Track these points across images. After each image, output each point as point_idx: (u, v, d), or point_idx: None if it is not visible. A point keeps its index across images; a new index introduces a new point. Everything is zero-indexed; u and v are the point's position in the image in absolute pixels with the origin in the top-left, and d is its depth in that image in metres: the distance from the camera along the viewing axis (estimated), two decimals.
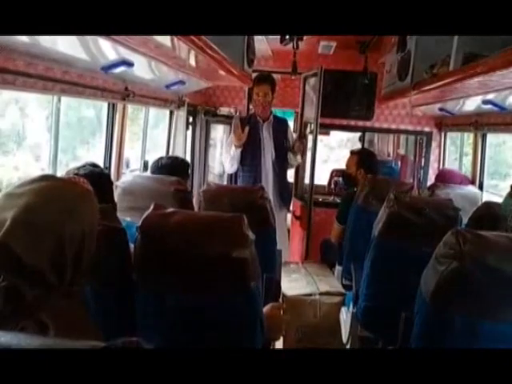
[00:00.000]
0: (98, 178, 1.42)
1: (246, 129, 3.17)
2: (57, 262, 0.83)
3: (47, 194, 0.84)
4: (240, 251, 1.14)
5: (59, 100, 1.89)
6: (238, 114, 3.85)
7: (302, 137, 3.51)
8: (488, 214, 1.90)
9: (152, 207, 1.24)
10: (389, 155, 5.06)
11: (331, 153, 7.03)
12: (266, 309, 1.47)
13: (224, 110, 4.12)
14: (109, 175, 1.55)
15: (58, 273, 0.83)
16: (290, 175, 3.81)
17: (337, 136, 5.25)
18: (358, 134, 4.57)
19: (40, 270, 0.80)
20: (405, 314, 1.40)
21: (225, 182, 3.88)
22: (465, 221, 1.99)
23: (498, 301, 1.11)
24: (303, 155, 3.60)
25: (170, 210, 1.23)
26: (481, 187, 3.04)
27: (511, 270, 1.09)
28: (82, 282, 0.93)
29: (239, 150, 3.21)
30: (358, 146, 4.42)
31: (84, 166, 1.48)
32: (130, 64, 1.82)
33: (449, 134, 3.86)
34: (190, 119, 3.61)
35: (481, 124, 2.81)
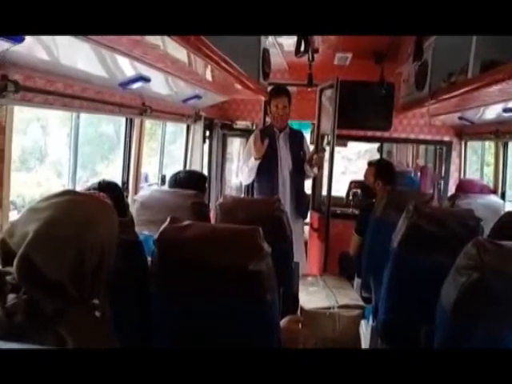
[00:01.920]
0: (115, 193, 1.45)
1: (266, 141, 3.17)
2: (77, 275, 0.83)
3: (68, 208, 0.86)
4: (256, 264, 1.13)
5: (78, 116, 1.94)
6: (255, 126, 3.86)
7: (320, 150, 3.48)
8: (510, 224, 1.86)
9: (168, 220, 1.24)
10: (408, 166, 5.00)
11: (349, 164, 6.98)
12: (283, 322, 1.45)
13: (240, 124, 4.14)
14: (121, 190, 1.58)
15: (77, 286, 0.84)
16: (307, 186, 3.79)
17: (355, 147, 5.21)
18: (377, 145, 4.54)
19: (60, 283, 0.81)
20: (426, 327, 1.36)
21: (242, 195, 3.89)
22: (487, 231, 1.95)
23: None
24: (320, 168, 3.58)
25: (187, 222, 1.23)
26: (503, 197, 2.97)
27: None
28: (102, 295, 0.94)
29: (258, 162, 3.21)
30: (377, 156, 4.39)
31: (100, 182, 1.51)
32: (147, 80, 1.85)
33: (470, 144, 3.80)
34: (207, 133, 3.65)
35: (502, 132, 2.76)
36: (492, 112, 2.63)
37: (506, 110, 2.37)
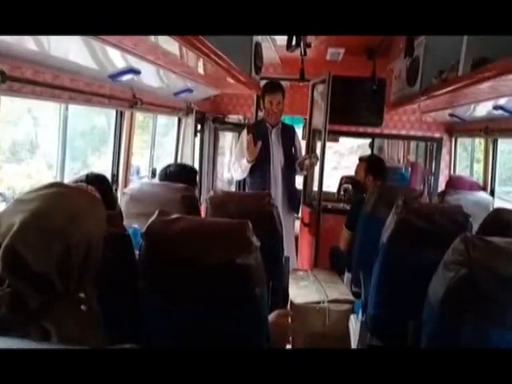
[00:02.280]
0: (103, 186, 1.43)
1: (259, 143, 3.15)
2: (63, 268, 0.82)
3: (56, 200, 0.85)
4: (244, 258, 1.12)
5: (67, 108, 1.92)
6: (247, 122, 3.84)
7: (312, 157, 3.44)
8: (499, 221, 1.87)
9: (156, 213, 1.23)
10: (399, 162, 5.02)
11: (341, 159, 6.99)
12: (271, 316, 1.45)
13: (233, 118, 4.13)
14: (110, 183, 1.56)
15: (63, 279, 0.83)
16: (298, 182, 3.79)
17: (347, 143, 5.21)
18: (369, 141, 4.55)
19: (46, 276, 0.80)
20: (413, 322, 1.37)
21: (234, 189, 3.88)
22: (476, 227, 1.96)
23: (508, 307, 1.08)
24: (309, 170, 3.58)
25: (175, 216, 1.22)
26: (492, 193, 3.00)
27: None
28: (90, 288, 0.93)
29: (250, 165, 3.20)
30: (369, 152, 4.40)
31: (88, 174, 1.49)
32: (137, 72, 1.83)
33: (460, 141, 3.82)
34: (199, 127, 3.63)
35: (492, 129, 2.78)
36: (482, 109, 2.64)
37: (495, 108, 2.38)
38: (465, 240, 1.16)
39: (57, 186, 0.89)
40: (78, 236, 0.84)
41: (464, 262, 1.12)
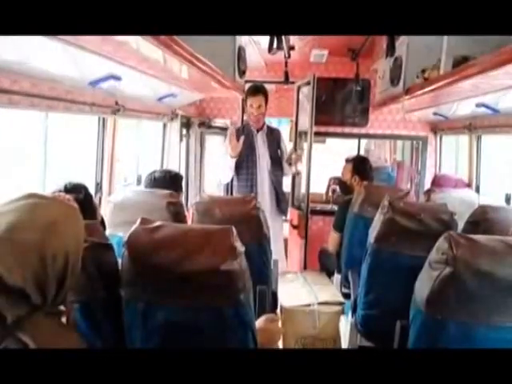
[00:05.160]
0: (81, 195, 1.41)
1: (242, 138, 3.17)
2: (40, 280, 0.81)
3: (31, 211, 0.83)
4: (228, 264, 1.11)
5: (47, 116, 1.88)
6: (232, 124, 3.85)
7: (298, 149, 3.50)
8: (483, 218, 1.89)
9: (139, 221, 1.22)
10: (386, 161, 5.05)
11: (332, 160, 6.97)
12: (259, 322, 1.44)
13: (219, 122, 4.12)
14: (89, 191, 1.53)
15: (40, 292, 0.81)
16: (286, 184, 3.79)
17: (338, 143, 5.19)
18: (365, 141, 4.58)
19: (22, 290, 0.78)
20: (401, 322, 1.37)
21: (222, 193, 3.86)
22: (462, 225, 1.97)
23: (492, 305, 1.08)
24: (298, 163, 3.60)
25: (157, 223, 1.20)
26: (478, 190, 3.02)
27: (504, 273, 1.07)
28: (69, 300, 0.91)
29: (234, 160, 3.22)
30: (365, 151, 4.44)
31: (66, 184, 1.46)
32: (118, 78, 1.81)
33: (447, 139, 3.84)
34: (184, 131, 3.61)
35: (475, 127, 2.80)
36: (465, 107, 2.66)
37: (478, 105, 2.40)
38: (449, 238, 1.16)
39: (32, 197, 0.87)
40: (54, 247, 0.82)
41: (448, 260, 1.12)
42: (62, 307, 0.91)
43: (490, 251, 1.11)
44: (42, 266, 0.80)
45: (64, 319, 0.93)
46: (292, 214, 3.98)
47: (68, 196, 0.97)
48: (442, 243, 1.18)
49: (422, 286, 1.20)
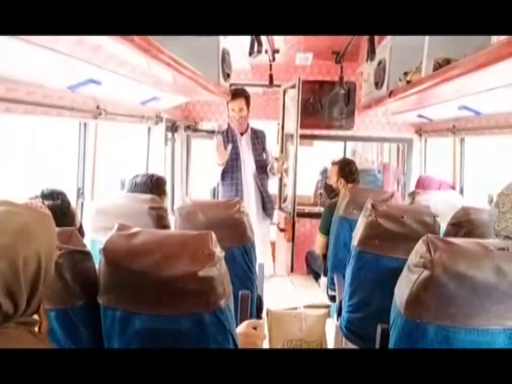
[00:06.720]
0: (58, 202, 1.39)
1: (229, 147, 3.16)
2: (11, 288, 0.79)
3: (1, 218, 0.81)
4: (207, 270, 1.10)
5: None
6: (217, 130, 3.83)
7: (279, 158, 3.46)
8: (466, 219, 1.89)
9: (116, 228, 1.20)
10: (373, 163, 5.08)
11: (320, 162, 6.97)
12: (240, 327, 1.42)
13: (206, 125, 4.10)
14: (66, 197, 1.50)
15: (12, 300, 0.79)
16: (274, 186, 3.79)
17: (327, 145, 5.19)
18: (361, 143, 4.61)
19: None
20: (381, 325, 1.37)
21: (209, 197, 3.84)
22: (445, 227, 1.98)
23: (471, 308, 1.08)
24: (282, 169, 3.59)
25: (135, 230, 1.19)
26: (462, 192, 3.04)
27: (482, 276, 1.07)
28: (43, 308, 0.90)
29: (221, 168, 3.22)
30: (359, 153, 4.46)
31: (43, 190, 1.44)
32: (97, 82, 1.79)
33: (432, 141, 3.87)
34: (169, 135, 3.59)
35: (458, 129, 2.83)
36: (448, 109, 2.68)
37: (460, 108, 2.42)
38: (427, 242, 1.16)
39: (3, 204, 0.85)
40: (25, 251, 0.81)
41: (426, 263, 1.12)
42: (35, 316, 0.89)
43: (468, 254, 1.11)
44: (12, 271, 0.79)
45: (36, 328, 0.91)
46: (279, 217, 3.98)
47: (40, 203, 0.95)
48: (420, 246, 1.18)
49: (402, 290, 1.20)
